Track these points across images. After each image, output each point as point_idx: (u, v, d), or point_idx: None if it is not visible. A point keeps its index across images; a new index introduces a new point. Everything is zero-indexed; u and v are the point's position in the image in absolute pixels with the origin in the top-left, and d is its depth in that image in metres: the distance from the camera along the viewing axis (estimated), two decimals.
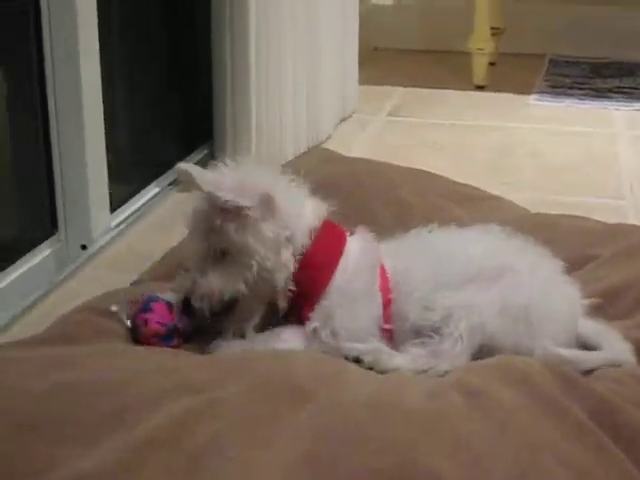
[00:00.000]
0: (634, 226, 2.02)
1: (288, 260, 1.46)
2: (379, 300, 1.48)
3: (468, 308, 1.41)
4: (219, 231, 1.44)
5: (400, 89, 3.58)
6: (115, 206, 2.35)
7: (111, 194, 2.29)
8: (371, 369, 1.39)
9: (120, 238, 2.30)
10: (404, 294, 1.48)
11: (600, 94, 3.51)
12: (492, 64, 3.68)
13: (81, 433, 1.15)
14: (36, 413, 1.18)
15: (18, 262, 2.07)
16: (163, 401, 1.19)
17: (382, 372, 1.38)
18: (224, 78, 2.62)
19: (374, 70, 3.73)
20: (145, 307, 1.48)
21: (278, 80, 2.67)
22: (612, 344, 1.44)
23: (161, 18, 2.64)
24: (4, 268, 2.02)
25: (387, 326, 1.47)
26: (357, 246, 1.53)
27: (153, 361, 1.32)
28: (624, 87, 3.60)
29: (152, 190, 2.54)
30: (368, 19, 3.66)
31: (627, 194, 2.60)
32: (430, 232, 1.57)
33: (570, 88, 3.60)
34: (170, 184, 2.60)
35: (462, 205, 1.99)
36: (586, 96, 3.50)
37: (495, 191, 2.25)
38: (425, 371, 1.38)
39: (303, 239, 1.48)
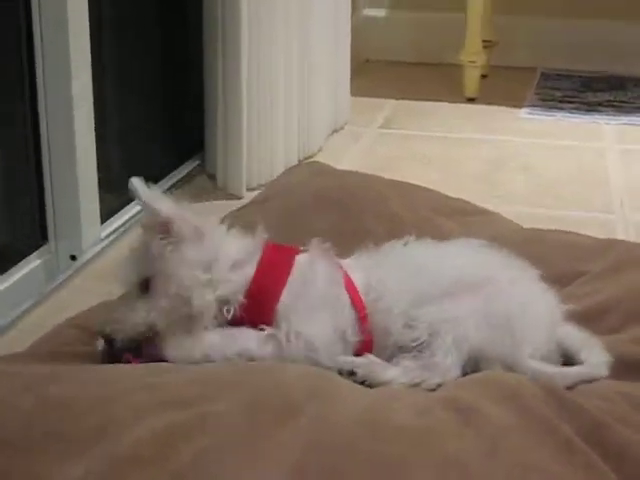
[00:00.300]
0: (623, 241, 2.03)
1: (208, 284, 1.43)
2: (345, 310, 1.46)
3: (452, 321, 1.41)
4: (146, 259, 1.44)
5: (392, 101, 3.58)
6: (105, 217, 2.34)
7: (101, 205, 2.29)
8: (364, 382, 1.39)
9: (110, 249, 2.30)
10: (382, 309, 1.47)
11: (591, 108, 3.52)
12: (484, 77, 3.69)
13: (67, 448, 1.14)
14: (23, 428, 1.17)
15: (7, 272, 2.06)
16: (149, 417, 1.18)
17: (375, 385, 1.38)
18: (215, 90, 2.63)
19: (366, 82, 3.73)
20: None
21: (270, 92, 2.67)
22: (591, 356, 1.44)
23: (153, 33, 2.64)
24: None
25: (358, 338, 1.45)
26: (307, 260, 1.50)
27: (140, 376, 1.31)
28: (615, 101, 3.61)
29: None
30: (360, 31, 3.67)
31: (617, 209, 2.61)
32: (405, 245, 1.57)
33: (561, 102, 3.61)
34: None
35: (453, 219, 1.99)
36: (577, 110, 3.50)
37: (486, 204, 2.25)
38: (418, 384, 1.38)
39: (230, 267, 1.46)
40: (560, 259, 1.80)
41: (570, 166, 2.94)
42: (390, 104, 3.56)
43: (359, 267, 1.53)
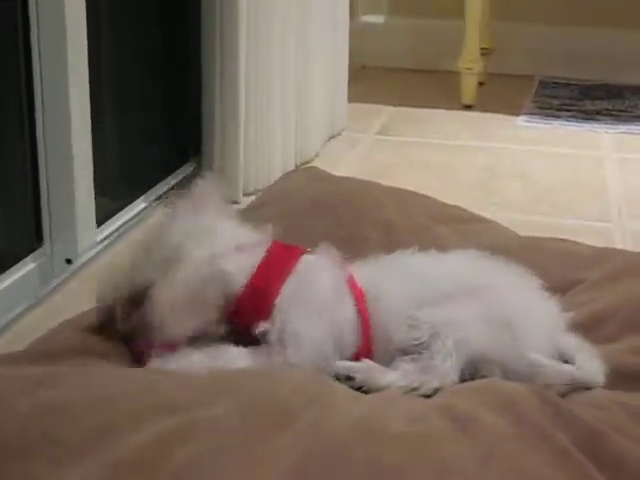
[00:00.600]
0: (621, 250, 2.03)
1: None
2: (347, 311, 1.46)
3: (453, 324, 1.41)
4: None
5: (389, 108, 3.58)
6: (101, 221, 2.34)
7: (97, 209, 2.28)
8: (361, 387, 1.38)
9: (106, 253, 2.29)
10: (383, 309, 1.47)
11: (588, 116, 3.52)
12: (481, 84, 3.69)
13: (64, 452, 1.13)
14: (19, 432, 1.16)
15: (2, 275, 2.05)
16: (147, 421, 1.18)
17: (373, 390, 1.38)
18: (213, 95, 2.62)
19: (363, 88, 3.73)
20: None
21: (267, 97, 2.67)
22: (585, 363, 1.44)
23: (151, 32, 2.64)
24: None
25: (358, 341, 1.45)
26: (313, 258, 1.50)
27: (138, 380, 1.31)
28: (612, 109, 3.61)
29: (138, 205, 2.53)
30: (358, 37, 3.67)
31: (614, 217, 2.61)
32: (406, 254, 1.57)
33: (558, 110, 3.61)
34: (156, 199, 2.59)
35: (449, 226, 1.99)
36: (574, 118, 3.51)
37: (482, 212, 2.25)
38: (417, 388, 1.38)
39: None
40: (557, 267, 1.79)
41: (567, 174, 2.94)
42: (387, 111, 3.56)
43: (360, 272, 1.53)
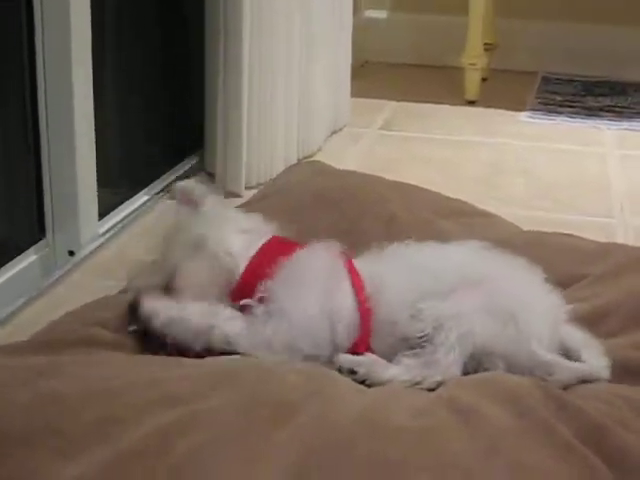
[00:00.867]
0: (624, 245, 2.02)
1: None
2: (344, 298, 1.47)
3: (457, 317, 1.41)
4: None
5: (392, 103, 3.58)
6: (103, 213, 2.33)
7: (100, 201, 2.28)
8: (364, 381, 1.38)
9: (108, 245, 2.29)
10: (386, 300, 1.47)
11: (591, 112, 3.52)
12: (484, 80, 3.69)
13: (65, 443, 1.13)
14: (20, 423, 1.17)
15: (4, 267, 2.05)
16: (147, 413, 1.18)
17: (376, 384, 1.38)
18: (216, 88, 2.62)
19: (366, 83, 3.72)
20: None
21: (270, 90, 2.67)
22: (591, 357, 1.44)
23: (154, 26, 2.63)
24: None
25: (355, 330, 1.46)
26: (309, 249, 1.52)
27: (139, 372, 1.31)
28: (615, 106, 3.60)
29: (141, 198, 2.53)
30: (361, 32, 3.67)
31: (616, 213, 2.60)
32: (409, 246, 1.57)
33: (561, 106, 3.60)
34: (159, 192, 2.59)
35: (453, 220, 1.99)
36: (577, 114, 3.50)
37: (485, 207, 2.25)
38: (419, 382, 1.37)
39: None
40: (560, 262, 1.79)
41: (570, 170, 2.93)
42: (390, 106, 3.56)
43: (364, 263, 1.53)
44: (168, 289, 1.50)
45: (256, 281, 1.47)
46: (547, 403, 1.24)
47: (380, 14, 4.17)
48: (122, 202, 2.45)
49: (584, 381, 1.40)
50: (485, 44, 3.64)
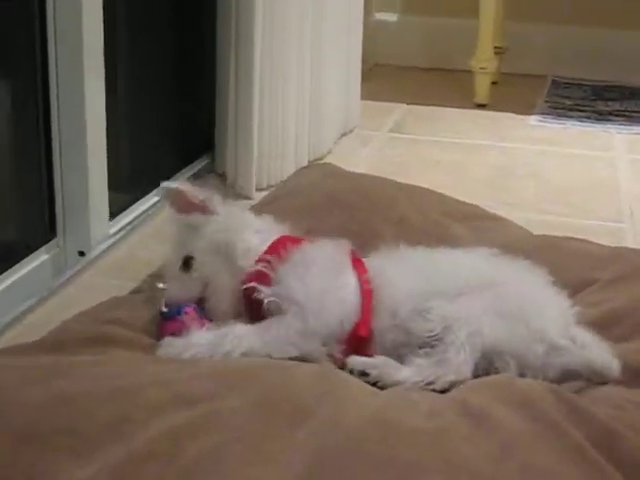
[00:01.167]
0: (635, 250, 2.02)
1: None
2: (348, 287, 1.50)
3: (466, 317, 1.42)
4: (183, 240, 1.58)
5: (402, 106, 3.58)
6: (114, 213, 2.34)
7: (110, 201, 2.29)
8: (376, 383, 1.38)
9: (118, 245, 2.29)
10: (390, 293, 1.49)
11: (601, 117, 3.52)
12: (494, 83, 3.69)
13: (78, 444, 1.13)
14: (33, 423, 1.17)
15: (15, 267, 2.05)
16: (160, 413, 1.18)
17: (388, 386, 1.38)
18: (227, 89, 2.62)
19: (376, 86, 3.73)
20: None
21: (282, 93, 2.67)
22: (602, 354, 1.44)
23: (166, 30, 2.64)
24: (1, 273, 2.01)
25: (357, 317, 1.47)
26: (317, 243, 1.55)
27: (152, 372, 1.31)
28: (625, 110, 3.60)
29: (152, 199, 2.53)
30: (371, 35, 3.67)
31: (626, 218, 2.60)
32: (418, 249, 1.58)
33: (571, 110, 3.60)
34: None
35: (463, 224, 1.99)
36: (587, 118, 3.50)
37: (495, 210, 2.25)
38: (432, 382, 1.38)
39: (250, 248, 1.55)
40: (571, 266, 1.79)
41: (580, 174, 2.93)
42: (400, 109, 3.56)
43: (372, 259, 1.56)
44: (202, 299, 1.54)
45: (265, 274, 1.51)
46: (559, 407, 1.24)
47: (390, 17, 4.17)
48: (133, 203, 2.45)
49: (594, 377, 1.40)
50: (495, 48, 3.64)
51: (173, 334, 1.46)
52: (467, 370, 1.39)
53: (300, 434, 1.16)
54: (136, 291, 1.77)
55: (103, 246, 2.24)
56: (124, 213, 2.41)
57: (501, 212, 2.25)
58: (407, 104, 3.60)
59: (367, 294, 1.49)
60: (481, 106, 3.58)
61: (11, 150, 2.08)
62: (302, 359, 1.42)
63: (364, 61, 3.32)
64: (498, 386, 1.30)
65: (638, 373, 1.42)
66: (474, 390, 1.30)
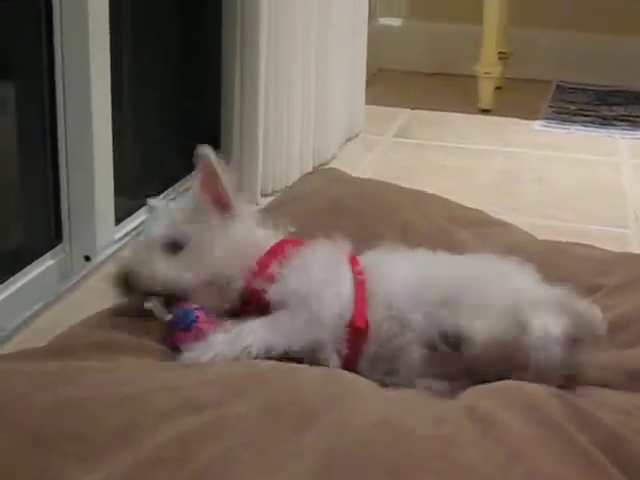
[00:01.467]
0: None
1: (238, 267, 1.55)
2: (345, 280, 1.52)
3: (454, 318, 1.41)
4: (186, 223, 1.55)
5: (406, 111, 3.59)
6: (120, 219, 2.34)
7: (116, 206, 2.29)
8: None
9: (124, 251, 2.29)
10: (381, 291, 1.51)
11: (606, 122, 3.52)
12: (498, 88, 3.69)
13: (86, 449, 1.13)
14: (40, 428, 1.17)
15: (21, 272, 2.06)
16: (168, 419, 1.18)
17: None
18: (232, 94, 2.63)
19: (380, 91, 3.74)
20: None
21: (287, 98, 2.68)
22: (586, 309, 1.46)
23: (172, 36, 2.64)
24: (7, 278, 2.01)
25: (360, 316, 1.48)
26: (316, 244, 1.57)
27: (160, 378, 1.31)
28: (630, 115, 3.60)
29: None
30: (375, 40, 3.67)
31: (631, 223, 2.60)
32: (415, 251, 1.60)
33: (575, 115, 3.61)
34: (175, 198, 2.59)
35: (468, 229, 1.99)
36: (592, 123, 3.50)
37: (499, 215, 2.25)
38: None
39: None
40: (577, 272, 1.79)
41: (584, 179, 2.94)
42: (405, 114, 3.56)
43: (368, 256, 1.59)
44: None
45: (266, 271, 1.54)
46: (565, 412, 1.24)
47: (395, 22, 4.18)
48: (138, 208, 2.45)
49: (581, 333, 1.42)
50: (499, 53, 3.64)
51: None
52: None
53: (307, 438, 1.16)
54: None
55: (109, 251, 2.25)
56: (130, 218, 2.41)
57: (505, 217, 2.25)
58: (411, 109, 3.61)
59: (360, 285, 1.52)
60: (485, 111, 3.59)
61: (17, 155, 2.08)
62: (313, 352, 1.45)
63: (368, 66, 3.33)
64: (505, 391, 1.30)
65: None
66: (481, 395, 1.30)
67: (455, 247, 1.70)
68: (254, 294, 1.53)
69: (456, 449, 1.15)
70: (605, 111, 3.66)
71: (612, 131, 3.42)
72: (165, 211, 1.61)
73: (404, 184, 2.24)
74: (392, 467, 1.11)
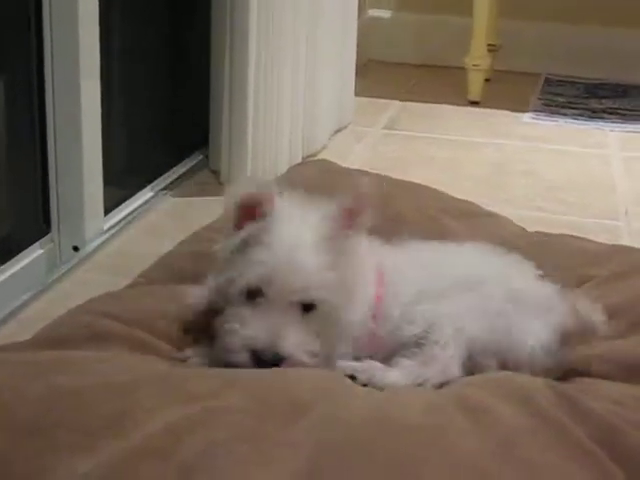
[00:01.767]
0: (631, 247, 2.02)
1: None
2: (372, 294, 1.46)
3: (450, 316, 1.41)
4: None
5: (396, 102, 3.58)
6: (108, 209, 2.33)
7: (105, 197, 2.28)
8: (365, 386, 1.37)
9: (112, 241, 2.29)
10: (392, 302, 1.47)
11: (594, 114, 3.52)
12: (487, 81, 3.69)
13: (77, 439, 1.13)
14: (32, 418, 1.16)
15: (9, 262, 2.05)
16: (159, 409, 1.18)
17: (377, 388, 1.37)
18: (222, 85, 2.62)
19: (370, 83, 3.73)
20: None
21: (276, 89, 2.66)
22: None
23: (160, 23, 2.63)
24: None
25: (373, 325, 1.45)
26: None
27: (150, 368, 1.31)
28: (619, 108, 3.61)
29: (146, 194, 2.53)
30: (364, 31, 3.67)
31: (621, 215, 2.60)
32: (412, 243, 1.57)
33: (564, 107, 3.61)
34: (164, 189, 2.59)
35: (459, 220, 1.98)
36: (580, 116, 3.50)
37: (488, 207, 2.25)
38: (421, 384, 1.37)
39: None
40: (567, 263, 1.79)
41: (573, 172, 2.94)
42: (394, 105, 3.56)
43: (388, 257, 1.53)
44: None
45: None
46: (559, 402, 1.24)
47: (384, 14, 4.17)
48: (127, 198, 2.45)
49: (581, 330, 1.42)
50: (489, 45, 3.64)
51: None
52: (455, 368, 1.39)
53: (298, 430, 1.16)
54: (130, 286, 1.76)
55: (97, 241, 2.24)
56: (118, 209, 2.40)
57: (495, 209, 2.24)
58: (401, 101, 3.60)
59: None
60: (474, 103, 3.59)
61: (6, 145, 2.07)
62: None
63: (358, 58, 3.32)
64: (497, 382, 1.30)
65: (636, 368, 1.42)
66: (473, 385, 1.30)
67: (446, 238, 1.69)
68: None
69: (448, 439, 1.15)
70: (594, 104, 3.66)
71: (601, 124, 3.42)
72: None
73: (394, 175, 2.24)
74: (384, 458, 1.11)
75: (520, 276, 1.52)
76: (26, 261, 2.09)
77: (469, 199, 2.23)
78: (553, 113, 3.54)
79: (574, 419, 1.21)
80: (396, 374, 1.38)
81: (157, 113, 2.66)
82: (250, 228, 1.37)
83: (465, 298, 1.44)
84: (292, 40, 2.70)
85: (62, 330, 1.45)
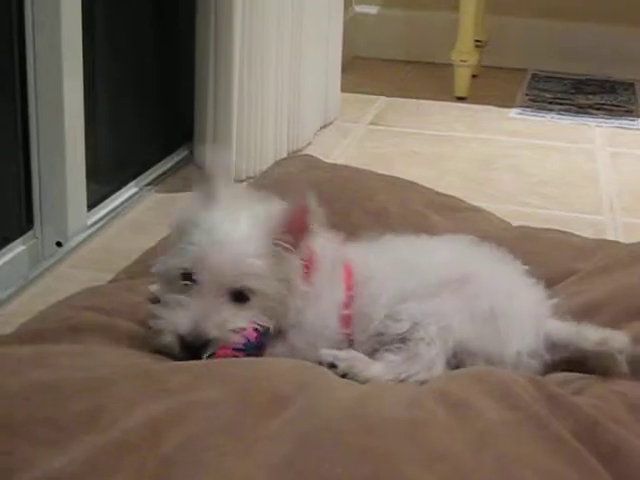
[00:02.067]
0: (614, 242, 2.02)
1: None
2: (341, 295, 1.44)
3: (436, 314, 1.40)
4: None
5: (382, 98, 3.57)
6: (92, 205, 2.32)
7: (88, 192, 2.27)
8: (345, 376, 1.36)
9: (96, 236, 2.28)
10: (368, 294, 1.45)
11: (581, 110, 3.52)
12: (474, 76, 3.69)
13: (55, 433, 1.12)
14: (9, 412, 1.15)
15: None
16: (138, 403, 1.17)
17: (359, 381, 1.36)
18: (206, 80, 2.61)
19: (356, 78, 3.72)
20: None
21: (261, 85, 2.66)
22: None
23: (145, 20, 2.62)
24: None
25: (345, 330, 1.44)
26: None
27: (129, 363, 1.30)
28: (605, 104, 3.61)
29: (130, 190, 2.52)
30: (351, 27, 3.66)
31: (606, 211, 2.60)
32: (395, 239, 1.56)
33: (550, 103, 3.61)
34: (148, 184, 2.58)
35: (443, 215, 1.98)
36: (567, 112, 3.51)
37: (474, 202, 2.24)
38: (404, 380, 1.36)
39: None
40: (551, 258, 1.78)
41: (560, 167, 2.94)
42: (380, 101, 3.55)
43: (357, 254, 1.51)
44: None
45: None
46: (539, 397, 1.24)
47: (370, 9, 4.16)
48: (111, 194, 2.44)
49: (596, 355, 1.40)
50: (475, 41, 3.64)
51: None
52: (439, 366, 1.38)
53: (278, 423, 1.15)
54: (113, 281, 1.75)
55: (80, 237, 2.23)
56: (102, 204, 2.39)
57: (480, 204, 2.24)
58: (387, 96, 3.60)
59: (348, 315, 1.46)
60: (461, 99, 3.58)
61: None
62: None
63: (344, 53, 3.31)
64: (478, 376, 1.29)
65: None
66: (453, 380, 1.29)
67: (431, 233, 1.68)
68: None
69: (426, 433, 1.14)
70: (581, 99, 3.66)
71: (587, 119, 3.42)
72: None
73: (379, 171, 2.23)
74: (363, 452, 1.10)
75: (507, 272, 1.51)
76: (9, 256, 2.08)
77: (455, 194, 2.23)
78: (540, 109, 3.54)
79: (555, 413, 1.20)
80: (379, 367, 1.37)
81: (142, 108, 2.64)
82: (187, 212, 1.38)
83: (450, 297, 1.42)
84: (277, 36, 2.70)
85: (43, 324, 1.44)
